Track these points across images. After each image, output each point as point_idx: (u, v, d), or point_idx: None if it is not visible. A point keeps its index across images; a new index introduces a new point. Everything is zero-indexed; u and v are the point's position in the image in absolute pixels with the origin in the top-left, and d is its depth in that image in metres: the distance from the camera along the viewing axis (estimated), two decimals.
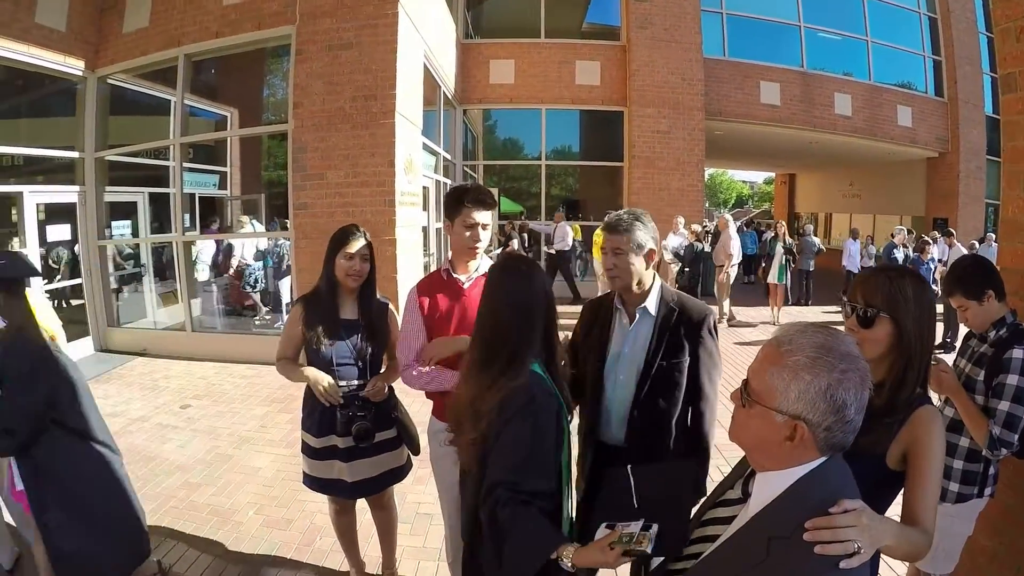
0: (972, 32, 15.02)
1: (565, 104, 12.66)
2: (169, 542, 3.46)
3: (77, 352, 7.48)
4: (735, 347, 8.59)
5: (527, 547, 1.51)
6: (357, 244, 2.67)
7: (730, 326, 10.16)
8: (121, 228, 8.84)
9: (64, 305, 8.16)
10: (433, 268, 6.21)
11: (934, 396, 1.79)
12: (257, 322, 9.23)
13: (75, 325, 7.78)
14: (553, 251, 11.75)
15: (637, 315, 2.18)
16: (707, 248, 11.18)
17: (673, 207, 11.55)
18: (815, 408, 1.07)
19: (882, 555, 1.33)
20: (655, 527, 1.42)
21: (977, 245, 11.11)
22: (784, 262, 10.54)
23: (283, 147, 7.82)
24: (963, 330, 2.56)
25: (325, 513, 3.12)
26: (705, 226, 12.13)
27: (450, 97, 11.41)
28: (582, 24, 13.88)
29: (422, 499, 3.93)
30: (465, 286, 2.51)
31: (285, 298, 8.88)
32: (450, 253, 2.63)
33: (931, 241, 10.28)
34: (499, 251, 10.49)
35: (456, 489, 2.07)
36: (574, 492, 1.94)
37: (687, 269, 10.64)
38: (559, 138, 13.47)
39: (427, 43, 8.42)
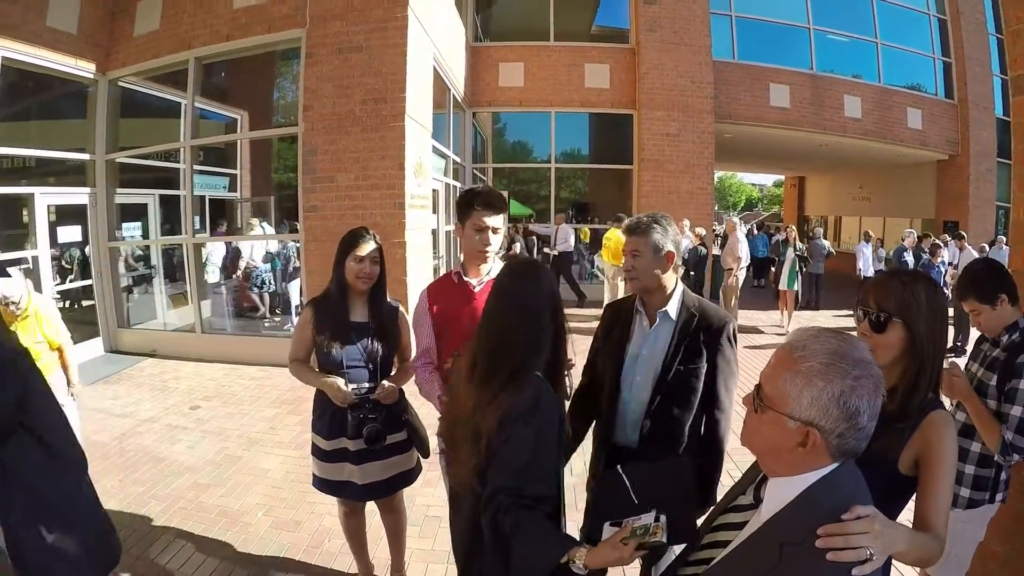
0: (982, 34, 14.95)
1: (574, 107, 12.66)
2: (178, 543, 3.48)
3: (87, 353, 7.56)
4: (745, 351, 8.50)
5: (536, 552, 1.47)
6: (367, 247, 2.68)
7: None
8: (132, 230, 8.91)
9: (75, 306, 8.23)
10: (443, 271, 6.22)
11: (946, 401, 1.78)
12: (266, 324, 9.26)
13: (85, 326, 7.85)
14: (555, 253, 11.76)
15: (657, 318, 2.19)
16: (715, 252, 11.11)
17: (683, 210, 11.50)
18: (828, 415, 1.06)
19: (894, 561, 1.32)
20: (664, 517, 1.41)
21: (988, 248, 11.03)
22: (795, 267, 10.47)
23: (293, 150, 7.86)
24: (974, 334, 2.54)
25: (334, 515, 3.12)
26: (714, 230, 12.07)
27: (460, 100, 11.42)
28: (591, 27, 13.88)
29: (431, 502, 3.92)
30: (476, 290, 2.51)
31: (295, 300, 8.92)
32: (461, 256, 2.62)
33: (942, 244, 10.21)
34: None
35: None
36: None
37: (692, 273, 10.61)
38: (568, 141, 13.45)
39: (436, 46, 8.43)
